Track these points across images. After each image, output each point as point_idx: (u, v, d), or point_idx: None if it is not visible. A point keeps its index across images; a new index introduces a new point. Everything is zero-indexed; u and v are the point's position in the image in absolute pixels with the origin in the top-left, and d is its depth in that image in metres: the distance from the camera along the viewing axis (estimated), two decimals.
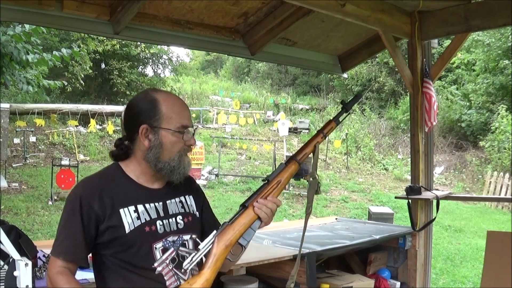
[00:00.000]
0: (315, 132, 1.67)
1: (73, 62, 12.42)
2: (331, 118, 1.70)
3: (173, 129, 1.47)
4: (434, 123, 3.64)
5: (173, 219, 1.51)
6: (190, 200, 1.61)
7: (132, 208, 1.45)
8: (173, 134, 1.47)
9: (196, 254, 1.43)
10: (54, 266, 1.42)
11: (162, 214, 1.50)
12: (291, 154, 1.64)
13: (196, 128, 1.56)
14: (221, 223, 1.52)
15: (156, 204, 1.50)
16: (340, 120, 1.66)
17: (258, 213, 1.48)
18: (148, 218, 1.47)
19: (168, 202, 1.53)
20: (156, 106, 1.46)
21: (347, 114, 1.68)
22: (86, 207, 1.42)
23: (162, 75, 18.90)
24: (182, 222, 1.53)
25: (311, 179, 1.61)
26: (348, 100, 1.71)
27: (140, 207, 1.47)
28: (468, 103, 15.58)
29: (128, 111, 1.51)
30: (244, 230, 1.47)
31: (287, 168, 1.55)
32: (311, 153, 1.62)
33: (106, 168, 1.56)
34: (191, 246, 1.53)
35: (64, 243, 1.42)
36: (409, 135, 4.10)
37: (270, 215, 1.50)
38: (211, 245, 1.43)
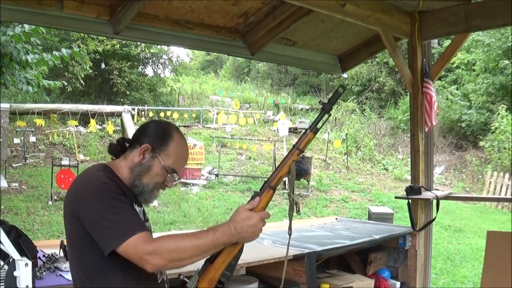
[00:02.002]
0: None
1: (73, 62, 12.41)
2: (308, 127, 1.57)
3: (165, 165, 1.58)
4: (434, 123, 3.65)
5: (147, 223, 1.62)
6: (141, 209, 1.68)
7: (135, 206, 1.55)
8: (162, 168, 1.58)
9: None
10: (142, 240, 1.38)
11: (144, 218, 1.62)
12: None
13: (179, 179, 1.65)
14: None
15: (140, 208, 1.61)
16: (320, 126, 1.55)
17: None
18: (143, 218, 1.59)
19: (142, 208, 1.64)
20: (168, 140, 1.60)
21: (328, 116, 1.54)
22: (122, 193, 1.48)
23: (162, 75, 18.93)
24: (149, 227, 1.63)
25: (290, 199, 1.57)
26: (328, 100, 1.54)
27: (137, 207, 1.57)
28: (468, 103, 15.59)
29: (146, 127, 1.64)
30: (225, 266, 1.50)
31: (262, 198, 1.50)
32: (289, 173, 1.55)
33: (100, 169, 1.56)
34: None
35: (134, 221, 1.44)
36: (409, 135, 4.10)
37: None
38: (196, 284, 1.48)
